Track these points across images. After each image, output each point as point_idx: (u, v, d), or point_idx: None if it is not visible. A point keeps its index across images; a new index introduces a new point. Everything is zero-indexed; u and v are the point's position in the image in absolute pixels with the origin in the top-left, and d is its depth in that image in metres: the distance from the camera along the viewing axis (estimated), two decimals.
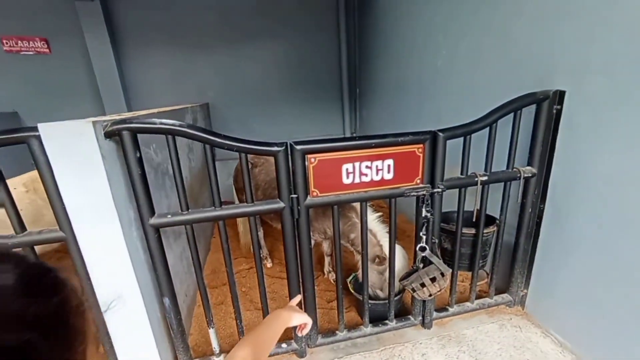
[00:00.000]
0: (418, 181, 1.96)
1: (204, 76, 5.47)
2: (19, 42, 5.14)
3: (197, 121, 4.11)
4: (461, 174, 2.06)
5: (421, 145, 1.90)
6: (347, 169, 1.84)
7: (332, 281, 3.12)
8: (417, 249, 2.03)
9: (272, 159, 2.93)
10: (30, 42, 5.14)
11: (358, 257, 2.49)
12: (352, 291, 2.55)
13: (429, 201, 1.97)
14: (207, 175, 1.81)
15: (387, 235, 2.37)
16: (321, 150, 1.79)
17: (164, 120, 1.63)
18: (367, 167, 1.86)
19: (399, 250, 2.32)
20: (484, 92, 2.67)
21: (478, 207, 2.19)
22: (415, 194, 1.95)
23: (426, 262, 2.01)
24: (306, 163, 1.78)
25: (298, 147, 1.75)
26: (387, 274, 2.28)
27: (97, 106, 5.17)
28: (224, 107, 5.60)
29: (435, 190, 1.97)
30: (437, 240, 2.06)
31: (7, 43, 5.10)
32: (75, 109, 5.16)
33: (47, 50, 5.20)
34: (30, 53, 5.17)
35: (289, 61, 5.66)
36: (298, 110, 5.84)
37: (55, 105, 5.14)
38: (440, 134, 1.90)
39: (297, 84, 5.73)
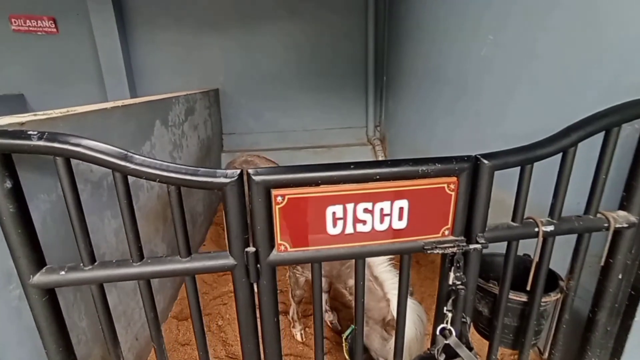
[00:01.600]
0: (446, 232, 1.29)
1: (215, 59, 4.94)
2: (27, 21, 4.83)
3: (195, 111, 3.58)
4: (514, 219, 1.37)
5: (454, 179, 1.23)
6: (334, 213, 1.20)
7: (328, 323, 2.52)
8: (438, 331, 1.37)
9: (264, 164, 2.33)
10: (39, 22, 4.80)
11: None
12: (346, 355, 1.95)
13: (461, 263, 1.30)
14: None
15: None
16: (293, 184, 1.16)
17: (54, 135, 1.05)
18: (366, 210, 1.21)
19: (412, 309, 1.68)
20: (545, 91, 1.91)
21: (534, 260, 1.49)
22: (440, 251, 1.29)
23: (450, 351, 1.36)
24: (271, 202, 1.16)
25: (257, 177, 1.13)
26: (393, 342, 1.65)
27: (102, 90, 4.78)
28: (235, 93, 5.05)
29: (472, 246, 1.29)
30: (469, 321, 1.39)
31: (15, 22, 4.80)
32: (80, 92, 4.82)
33: (55, 30, 4.85)
34: (39, 33, 4.84)
35: (309, 44, 4.99)
36: (316, 99, 5.18)
37: (61, 87, 4.83)
38: (485, 161, 1.22)
39: (316, 69, 5.06)
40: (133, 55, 4.71)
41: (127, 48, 4.64)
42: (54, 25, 4.86)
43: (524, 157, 1.27)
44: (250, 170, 1.14)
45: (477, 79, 2.52)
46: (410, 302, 1.65)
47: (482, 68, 2.45)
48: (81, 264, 1.18)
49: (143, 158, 1.12)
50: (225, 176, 1.13)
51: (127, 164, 1.09)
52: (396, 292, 1.73)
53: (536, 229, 1.36)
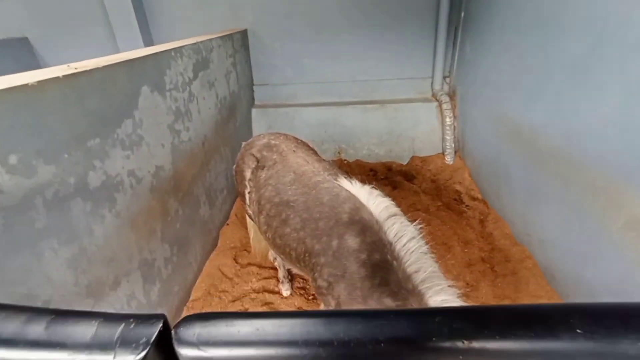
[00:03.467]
0: None
1: None
2: None
3: (211, 63, 2.82)
4: None
5: None
6: None
7: None
8: None
9: (291, 156, 1.65)
10: None
11: None
12: None
13: None
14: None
15: None
16: None
17: None
18: None
19: None
20: None
21: None
22: None
23: None
24: None
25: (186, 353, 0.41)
26: None
27: (111, 33, 4.10)
28: (268, 35, 4.15)
29: None
30: None
31: None
32: (88, 35, 4.19)
33: None
34: None
35: None
36: (369, 42, 4.13)
37: (67, 30, 4.21)
38: None
39: (369, 3, 3.93)
40: None
41: None
42: None
43: None
44: (179, 337, 0.43)
45: None
46: None
47: None
48: None
49: None
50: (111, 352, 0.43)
51: None
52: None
53: None
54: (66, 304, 1.31)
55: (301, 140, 1.96)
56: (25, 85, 1.12)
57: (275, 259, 2.69)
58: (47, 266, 1.24)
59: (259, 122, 4.29)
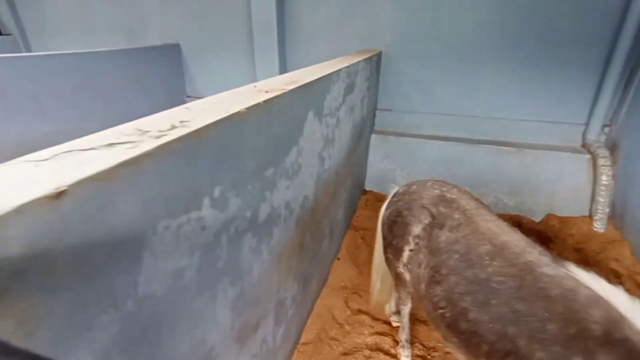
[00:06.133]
0: None
1: (382, 12, 3.83)
2: None
3: (355, 87, 2.66)
4: None
5: None
6: None
7: None
8: None
9: (478, 218, 1.36)
10: None
11: None
12: None
13: None
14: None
15: None
16: None
17: None
18: None
19: None
20: None
21: None
22: None
23: None
24: None
25: None
26: None
27: (251, 45, 4.26)
28: (401, 59, 3.93)
29: None
30: None
31: None
32: (231, 45, 4.42)
33: None
34: None
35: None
36: (512, 76, 3.67)
37: (214, 39, 4.50)
38: None
39: (524, 34, 3.49)
40: (287, 13, 3.97)
41: (282, 4, 3.91)
42: None
43: None
44: None
45: None
46: None
47: None
48: None
49: None
50: None
51: None
52: None
53: None
54: (223, 349, 1.16)
55: (476, 196, 1.63)
56: (237, 113, 1.00)
57: (391, 314, 2.37)
58: (218, 308, 1.10)
59: (376, 149, 4.06)
